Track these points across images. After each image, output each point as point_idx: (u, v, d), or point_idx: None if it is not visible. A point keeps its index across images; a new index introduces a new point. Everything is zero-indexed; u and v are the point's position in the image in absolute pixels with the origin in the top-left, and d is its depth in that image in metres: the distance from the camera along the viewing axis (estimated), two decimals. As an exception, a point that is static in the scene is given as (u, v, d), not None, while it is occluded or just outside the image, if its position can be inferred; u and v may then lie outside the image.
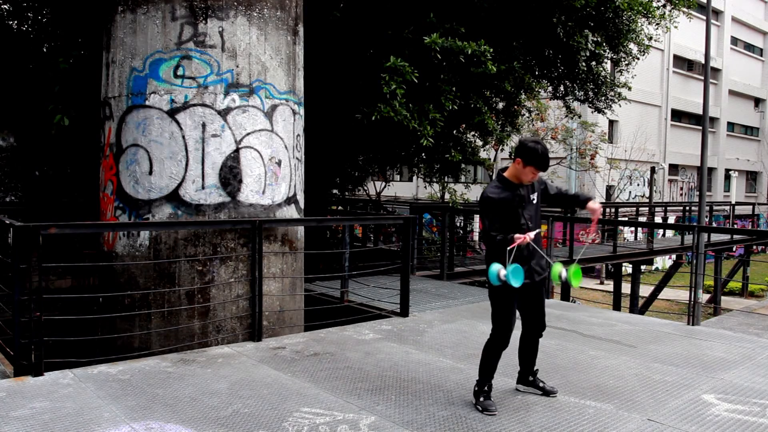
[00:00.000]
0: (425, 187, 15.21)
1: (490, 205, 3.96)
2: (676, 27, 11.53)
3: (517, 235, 3.78)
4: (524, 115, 13.10)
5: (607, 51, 10.80)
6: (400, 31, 8.59)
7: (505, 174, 4.02)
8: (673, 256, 18.83)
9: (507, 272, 3.71)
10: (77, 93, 7.58)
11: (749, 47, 38.83)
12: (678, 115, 33.50)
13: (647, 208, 21.82)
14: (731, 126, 37.79)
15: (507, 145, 12.57)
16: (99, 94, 6.27)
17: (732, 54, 36.74)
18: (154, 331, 5.66)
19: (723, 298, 18.92)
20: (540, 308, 4.20)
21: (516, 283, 3.71)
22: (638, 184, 30.25)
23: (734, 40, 37.06)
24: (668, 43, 30.66)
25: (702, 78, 27.53)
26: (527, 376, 4.36)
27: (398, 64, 7.81)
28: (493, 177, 4.19)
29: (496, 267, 3.77)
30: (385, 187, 21.36)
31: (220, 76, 5.73)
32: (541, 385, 4.32)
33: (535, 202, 4.05)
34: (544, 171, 3.96)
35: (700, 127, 17.83)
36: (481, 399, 4.01)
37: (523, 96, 10.80)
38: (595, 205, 4.08)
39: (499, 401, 4.12)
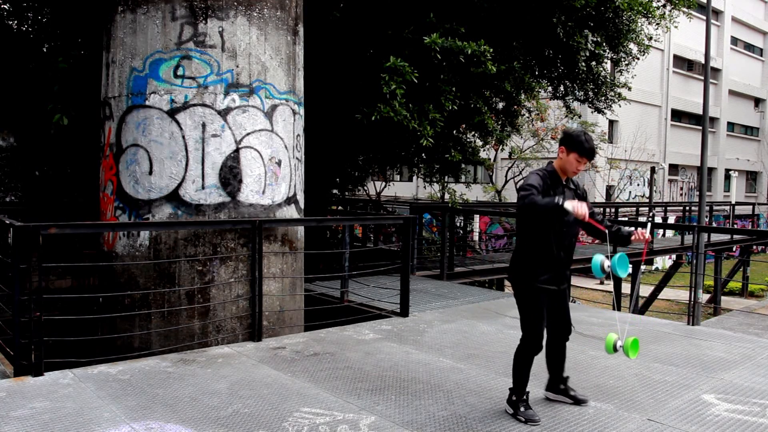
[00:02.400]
0: (425, 187, 15.20)
1: (537, 181, 3.67)
2: (676, 27, 11.52)
3: (572, 205, 3.43)
4: (524, 115, 13.10)
5: (607, 51, 10.79)
6: (400, 31, 8.58)
7: (554, 164, 3.84)
8: (673, 256, 18.83)
9: (612, 262, 3.50)
10: (77, 93, 7.58)
11: (749, 47, 38.84)
12: (678, 115, 33.52)
13: (647, 208, 21.81)
14: (731, 126, 37.81)
15: (507, 145, 12.57)
16: (99, 94, 6.28)
17: (732, 54, 36.76)
18: (154, 331, 5.66)
19: (723, 298, 18.91)
20: (565, 312, 4.05)
21: (623, 273, 3.54)
22: (638, 184, 30.27)
23: (734, 40, 37.08)
24: (668, 43, 30.68)
25: (702, 78, 27.55)
26: (558, 384, 4.17)
27: (398, 64, 7.81)
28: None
29: (599, 258, 3.55)
30: (385, 187, 21.36)
31: (220, 76, 5.73)
32: (572, 393, 4.14)
33: None
34: (590, 159, 3.78)
35: (700, 127, 17.84)
36: (522, 409, 3.85)
37: (523, 96, 10.79)
38: (643, 234, 3.83)
39: (499, 401, 4.12)
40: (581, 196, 3.95)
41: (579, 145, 3.71)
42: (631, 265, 3.65)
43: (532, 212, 3.64)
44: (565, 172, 3.82)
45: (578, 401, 4.11)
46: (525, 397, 3.88)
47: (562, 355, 4.14)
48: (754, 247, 23.66)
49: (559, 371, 4.17)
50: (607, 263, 3.56)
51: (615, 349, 3.64)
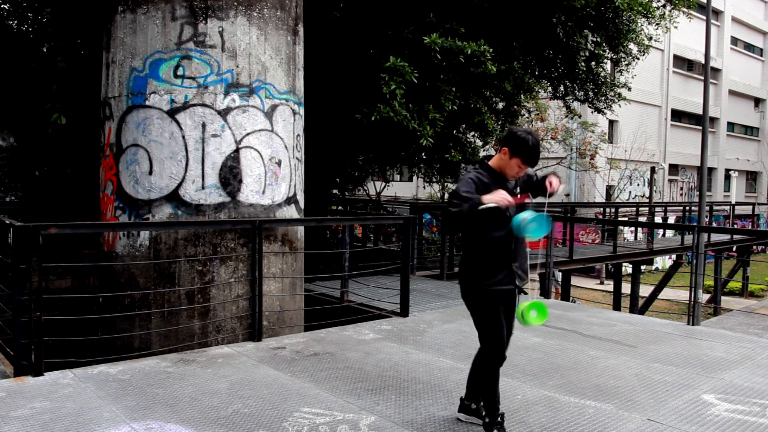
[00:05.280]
0: (425, 187, 15.22)
1: (469, 187, 3.33)
2: (676, 27, 11.53)
3: (488, 197, 3.14)
4: (524, 115, 13.11)
5: (607, 51, 10.81)
6: (400, 31, 8.59)
7: (490, 163, 3.46)
8: (673, 256, 18.83)
9: (530, 221, 3.17)
10: (76, 92, 7.58)
11: (749, 47, 38.84)
12: (678, 115, 33.51)
13: (647, 208, 21.83)
14: (731, 126, 37.81)
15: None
16: (98, 94, 6.28)
17: (732, 54, 36.75)
18: (154, 331, 5.66)
19: (723, 298, 18.92)
20: (510, 321, 3.60)
21: (539, 233, 3.17)
22: (638, 184, 30.26)
23: (734, 40, 37.08)
24: (668, 43, 30.67)
25: (702, 78, 27.54)
26: (470, 404, 3.73)
27: (398, 64, 7.81)
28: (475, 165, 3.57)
29: (521, 215, 3.22)
30: (385, 187, 21.35)
31: (220, 76, 5.73)
32: (483, 413, 3.62)
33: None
34: (532, 166, 3.45)
35: (700, 127, 17.84)
36: None
37: (523, 96, 10.80)
38: (553, 179, 3.45)
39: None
40: (528, 182, 3.57)
41: (525, 151, 3.34)
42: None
43: (465, 224, 3.33)
44: (503, 172, 3.44)
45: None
46: (500, 419, 3.49)
47: None
48: (754, 247, 23.64)
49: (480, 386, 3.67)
50: (527, 219, 3.20)
51: (523, 317, 3.28)
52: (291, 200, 6.29)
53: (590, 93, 11.38)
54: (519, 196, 3.44)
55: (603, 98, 11.60)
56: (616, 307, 15.29)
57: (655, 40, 11.84)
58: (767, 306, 16.89)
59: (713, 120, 35.25)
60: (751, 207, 25.66)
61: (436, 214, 17.96)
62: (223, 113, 5.73)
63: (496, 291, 3.42)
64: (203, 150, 5.69)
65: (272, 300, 6.02)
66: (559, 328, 6.31)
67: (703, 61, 24.80)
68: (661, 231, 19.60)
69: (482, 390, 3.57)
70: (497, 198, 3.19)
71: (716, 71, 35.11)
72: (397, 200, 23.53)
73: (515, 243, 3.43)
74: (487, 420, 3.52)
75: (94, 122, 6.55)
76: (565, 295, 15.21)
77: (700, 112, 22.17)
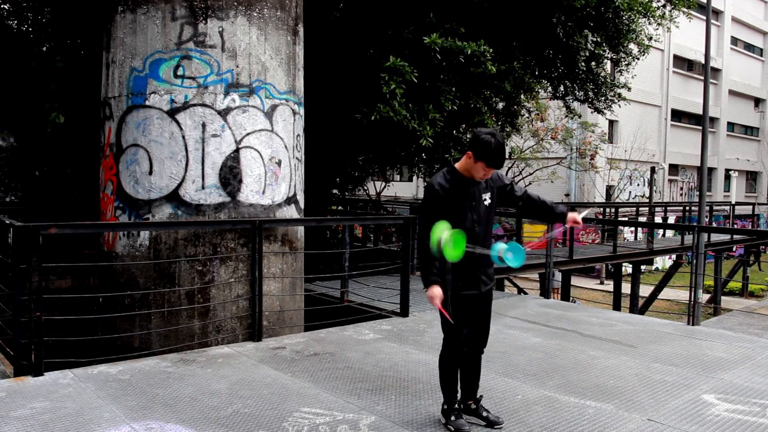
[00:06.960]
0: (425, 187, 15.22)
1: (433, 197, 3.49)
2: (677, 27, 11.53)
3: (429, 293, 3.47)
4: (524, 115, 13.11)
5: (607, 51, 10.81)
6: (400, 31, 8.59)
7: (457, 166, 3.54)
8: (673, 256, 18.83)
9: (506, 250, 3.40)
10: (75, 92, 7.58)
11: (749, 47, 38.86)
12: (678, 115, 33.53)
13: (647, 208, 21.83)
14: (731, 126, 37.82)
15: (507, 145, 12.59)
16: (98, 94, 6.28)
17: (732, 54, 36.78)
18: (154, 331, 5.66)
19: (723, 298, 18.92)
20: (485, 322, 3.77)
21: (515, 263, 3.38)
22: (638, 184, 30.27)
23: (734, 40, 37.10)
24: (668, 43, 30.69)
25: (702, 78, 27.55)
26: (468, 403, 3.81)
27: (398, 64, 7.81)
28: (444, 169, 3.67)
29: (498, 247, 3.45)
30: (385, 187, 21.36)
31: (220, 76, 5.73)
32: (484, 414, 3.76)
33: (487, 203, 3.59)
34: (498, 168, 3.51)
35: (700, 127, 17.84)
36: (452, 418, 3.65)
37: (523, 96, 10.80)
38: (576, 216, 3.66)
39: (499, 401, 4.12)
40: (497, 186, 3.68)
41: (488, 155, 3.39)
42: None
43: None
44: (470, 175, 3.52)
45: (491, 423, 3.72)
46: (457, 406, 3.71)
47: (476, 368, 3.83)
48: (760, 247, 23.59)
49: (471, 388, 3.83)
50: (503, 250, 3.44)
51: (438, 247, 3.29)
52: (291, 200, 6.29)
53: (590, 93, 11.38)
54: (487, 203, 3.60)
55: (603, 98, 11.60)
56: (616, 307, 15.30)
57: (655, 40, 11.83)
58: (767, 306, 16.90)
59: (713, 120, 35.26)
60: (751, 207, 25.67)
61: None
62: (223, 113, 5.73)
63: (461, 295, 3.59)
64: (203, 150, 5.69)
65: (272, 300, 6.02)
66: (559, 328, 6.31)
67: (703, 61, 24.80)
68: (661, 231, 19.60)
69: (440, 378, 3.76)
70: (431, 296, 3.47)
71: (716, 71, 35.12)
72: (397, 200, 23.54)
73: (476, 253, 3.53)
74: (445, 407, 3.72)
75: (94, 122, 6.55)
76: (565, 295, 15.21)
77: (700, 112, 22.18)
